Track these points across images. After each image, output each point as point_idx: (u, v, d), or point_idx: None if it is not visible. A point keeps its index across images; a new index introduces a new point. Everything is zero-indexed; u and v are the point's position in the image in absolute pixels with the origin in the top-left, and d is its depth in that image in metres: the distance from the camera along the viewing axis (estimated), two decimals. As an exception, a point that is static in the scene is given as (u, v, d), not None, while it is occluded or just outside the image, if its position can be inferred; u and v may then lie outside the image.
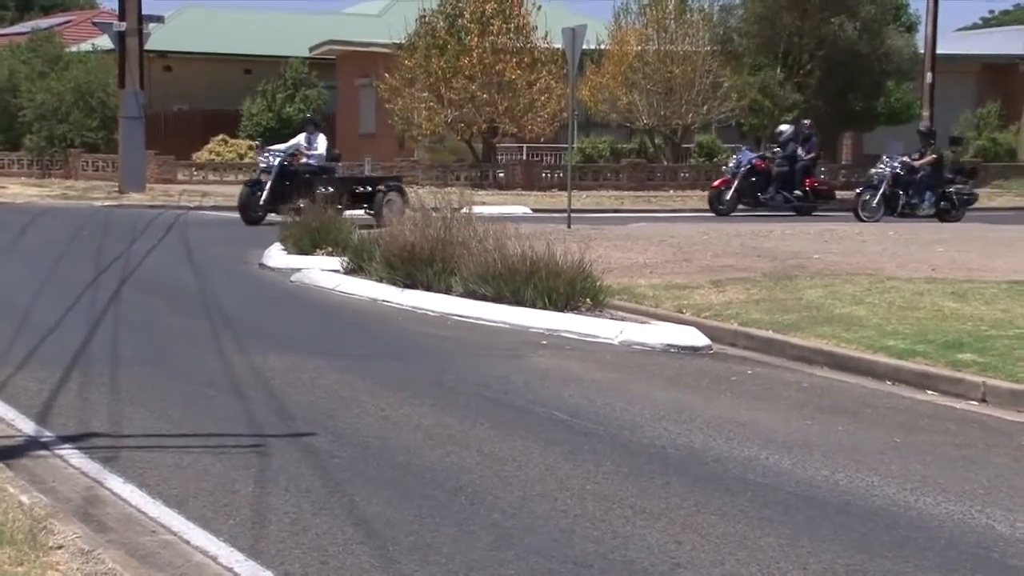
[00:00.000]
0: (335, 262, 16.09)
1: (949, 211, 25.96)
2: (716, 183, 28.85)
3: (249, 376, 9.58)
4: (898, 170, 26.03)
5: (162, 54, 44.22)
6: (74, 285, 14.23)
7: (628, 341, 11.69)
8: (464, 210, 15.03)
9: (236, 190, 33.39)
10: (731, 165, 28.57)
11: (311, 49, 44.78)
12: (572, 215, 22.59)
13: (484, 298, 13.20)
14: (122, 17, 31.22)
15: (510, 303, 12.93)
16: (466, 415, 8.58)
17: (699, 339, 11.72)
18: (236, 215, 23.50)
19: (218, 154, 39.88)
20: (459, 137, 38.06)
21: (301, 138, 23.47)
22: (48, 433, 7.73)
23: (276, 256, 17.52)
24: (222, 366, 9.90)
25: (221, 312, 12.70)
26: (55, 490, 6.58)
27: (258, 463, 7.16)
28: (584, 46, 23.65)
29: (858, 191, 26.83)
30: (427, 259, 14.15)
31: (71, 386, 9.02)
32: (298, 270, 16.06)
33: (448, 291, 13.76)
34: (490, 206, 25.32)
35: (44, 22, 54.18)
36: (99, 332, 11.26)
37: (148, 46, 33.16)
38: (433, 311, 13.23)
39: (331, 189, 22.01)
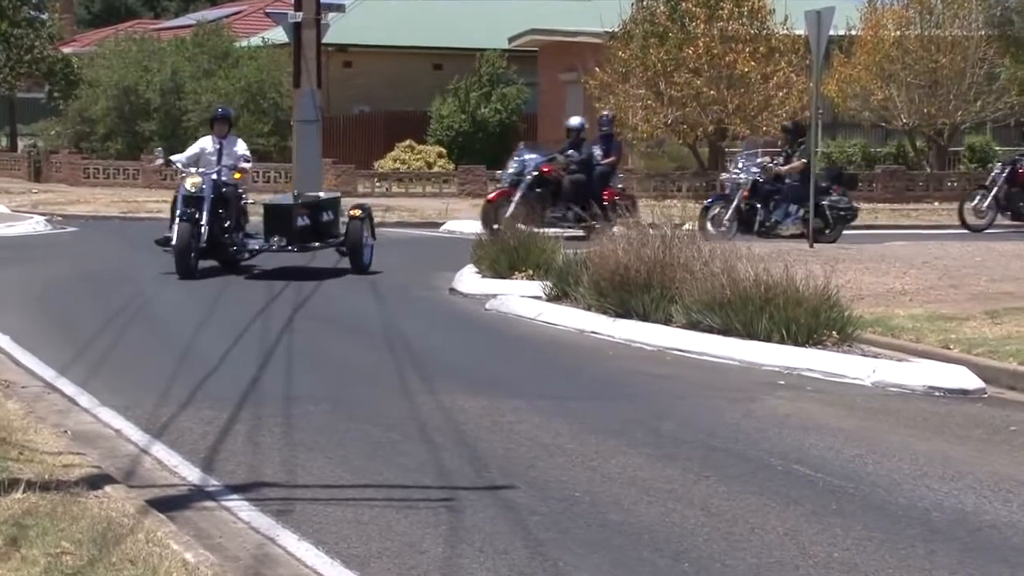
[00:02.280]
0: (536, 287, 16.25)
1: (820, 229, 22.96)
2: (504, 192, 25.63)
3: (438, 419, 9.75)
4: (757, 177, 23.59)
5: (342, 48, 45.28)
6: (241, 313, 14.72)
7: (882, 382, 11.51)
8: (686, 226, 15.02)
9: (422, 203, 34.15)
10: (510, 171, 25.12)
11: (510, 40, 45.28)
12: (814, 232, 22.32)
13: (709, 330, 13.16)
14: (298, 6, 32.12)
15: (740, 336, 12.86)
16: (689, 467, 8.57)
17: (970, 381, 11.45)
18: (423, 232, 23.86)
19: (403, 162, 40.64)
20: (681, 141, 38.01)
21: (207, 143, 19.53)
22: (215, 482, 8.02)
23: (468, 280, 17.78)
24: (408, 407, 10.10)
25: (406, 345, 12.96)
26: (222, 547, 6.82)
27: (448, 520, 7.29)
28: (831, 32, 23.38)
29: (705, 202, 24.30)
30: (643, 284, 14.18)
31: (240, 428, 9.34)
32: (494, 296, 16.28)
33: (667, 321, 13.76)
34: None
35: (211, 13, 56.20)
36: (271, 367, 11.63)
37: (327, 39, 33.98)
38: (649, 345, 13.25)
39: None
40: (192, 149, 19.48)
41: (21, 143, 52.08)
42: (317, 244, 18.87)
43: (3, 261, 20.71)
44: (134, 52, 45.55)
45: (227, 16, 53.77)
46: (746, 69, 35.68)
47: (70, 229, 27.57)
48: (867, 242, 22.76)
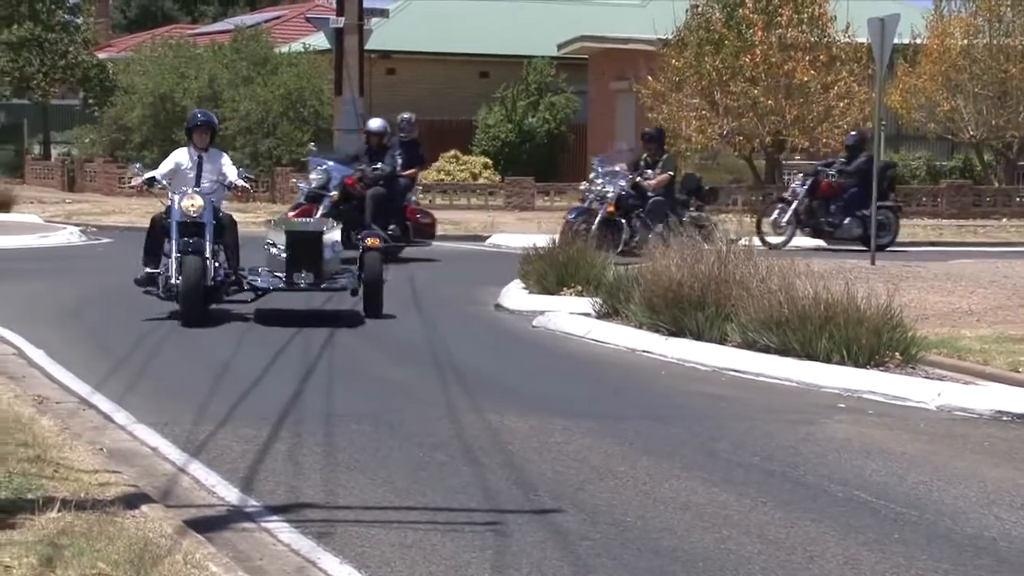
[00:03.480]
0: (585, 303, 16.28)
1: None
2: None
3: (484, 439, 9.79)
4: (623, 191, 22.37)
5: (385, 55, 45.53)
6: (280, 328, 14.81)
7: (948, 406, 11.47)
8: (743, 242, 15.02)
9: (467, 216, 34.22)
10: (312, 184, 22.65)
11: (559, 47, 45.38)
12: (877, 249, 22.28)
13: (766, 350, 13.15)
14: (340, 11, 32.31)
15: (798, 356, 12.84)
16: (745, 492, 8.57)
17: (1040, 406, 11.40)
18: (468, 246, 23.86)
19: (448, 173, 40.76)
20: (737, 152, 37.98)
21: (183, 157, 16.03)
22: (254, 502, 8.09)
23: (515, 296, 17.83)
24: (453, 427, 10.15)
25: (451, 362, 13.01)
26: (263, 569, 6.88)
27: (495, 544, 7.32)
28: (896, 40, 23.34)
29: (568, 216, 22.59)
30: (697, 301, 14.18)
31: (279, 447, 9.41)
32: (541, 313, 16.32)
33: (722, 340, 13.75)
34: (772, 236, 25.22)
35: (250, 18, 56.57)
36: (311, 384, 11.70)
37: (369, 45, 34.19)
38: (704, 365, 13.25)
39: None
40: (166, 164, 15.93)
41: (55, 151, 52.58)
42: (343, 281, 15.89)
43: (36, 273, 20.92)
44: (170, 58, 45.93)
45: (266, 21, 54.10)
46: (805, 78, 35.62)
47: (104, 240, 27.82)
48: (932, 259, 22.69)
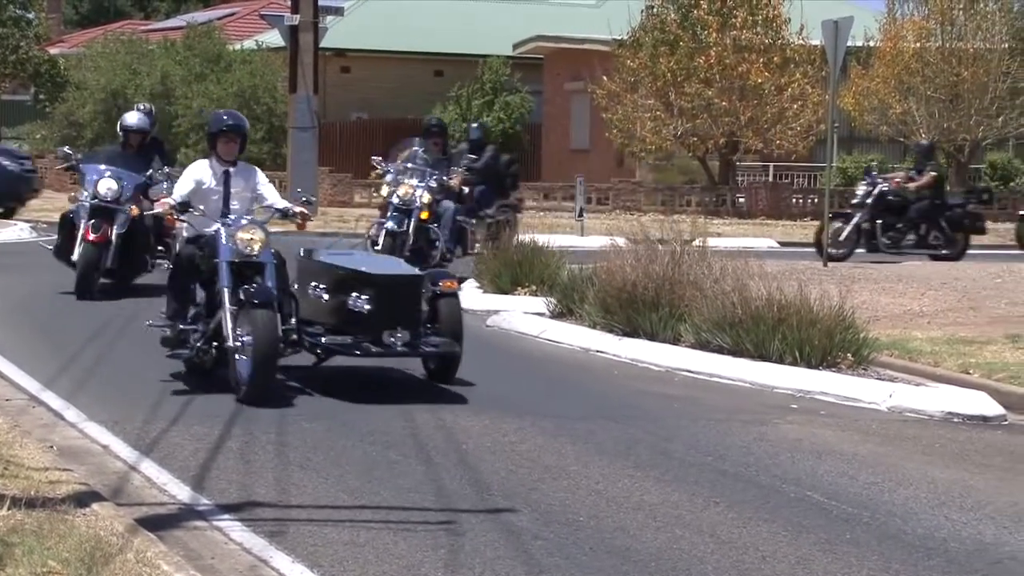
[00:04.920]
0: (539, 303, 16.29)
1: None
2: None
3: (438, 438, 9.79)
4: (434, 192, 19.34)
5: (340, 52, 45.44)
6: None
7: (899, 407, 11.54)
8: (697, 242, 15.05)
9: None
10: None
11: (515, 46, 45.41)
12: (830, 250, 22.38)
13: (719, 350, 13.19)
14: (295, 8, 32.22)
15: (751, 357, 12.89)
16: (698, 492, 8.60)
17: (990, 407, 11.48)
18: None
19: (402, 172, 40.64)
20: (691, 154, 38.11)
21: (204, 173, 11.74)
22: (206, 501, 8.05)
23: (469, 295, 17.79)
24: (407, 425, 10.14)
25: (404, 361, 12.97)
26: (214, 568, 6.85)
27: (448, 543, 7.32)
28: (849, 43, 23.47)
29: (371, 231, 19.67)
30: (651, 302, 14.21)
31: (232, 445, 9.37)
32: (495, 312, 16.31)
33: (676, 341, 13.79)
34: (727, 238, 25.32)
35: (203, 15, 56.32)
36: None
37: (324, 43, 34.15)
38: (657, 365, 13.28)
39: None
40: (184, 184, 11.61)
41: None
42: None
43: (-15, 269, 20.76)
44: (122, 54, 45.69)
45: (219, 18, 53.88)
46: (759, 80, 35.79)
47: (55, 237, 27.58)
48: (884, 262, 22.81)
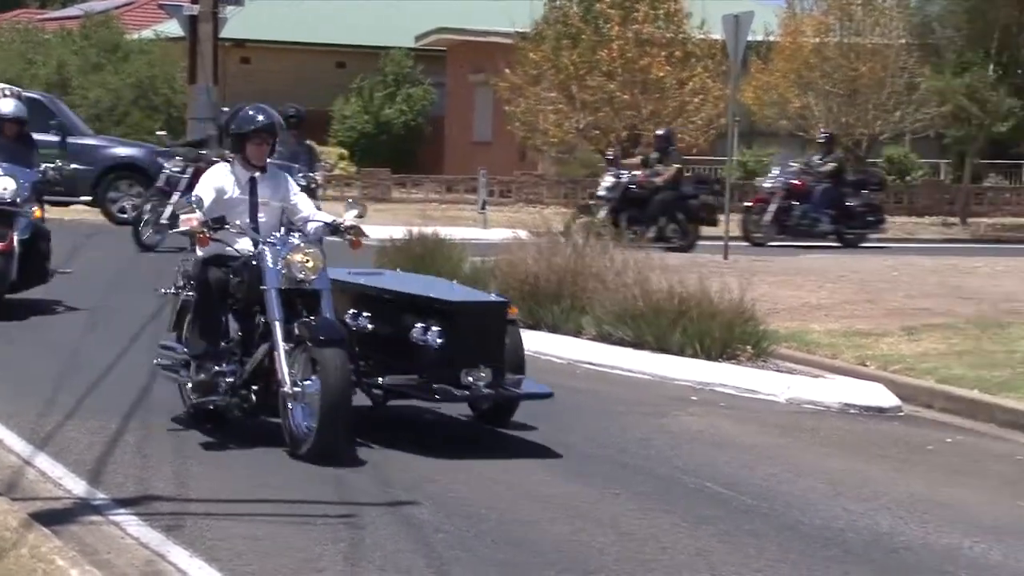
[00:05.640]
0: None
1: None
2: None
3: (338, 431, 9.74)
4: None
5: (239, 43, 45.09)
6: (132, 319, 14.60)
7: (797, 399, 11.65)
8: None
9: (324, 207, 33.87)
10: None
11: (417, 39, 45.31)
12: (730, 243, 22.55)
13: (621, 343, 13.25)
14: (194, -1, 31.91)
15: (652, 349, 12.96)
16: (598, 484, 8.63)
17: (886, 398, 11.63)
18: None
19: (303, 164, 40.47)
20: (593, 147, 38.22)
21: (224, 179, 9.73)
22: (102, 495, 7.96)
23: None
24: (306, 419, 10.07)
25: (305, 354, 12.90)
26: (110, 563, 6.77)
27: (349, 536, 7.29)
28: (749, 37, 23.65)
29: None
30: (553, 294, 14.25)
31: (129, 439, 9.27)
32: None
33: (577, 333, 13.83)
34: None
35: (100, 4, 55.63)
36: (160, 377, 11.53)
37: (224, 33, 33.85)
38: (559, 357, 13.31)
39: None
40: (203, 194, 9.54)
41: None
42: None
43: None
44: (17, 43, 45.02)
45: (117, 7, 53.23)
46: (661, 74, 35.93)
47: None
48: (783, 255, 23.03)
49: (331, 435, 8.76)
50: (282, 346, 8.95)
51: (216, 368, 9.35)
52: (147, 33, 45.88)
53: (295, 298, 9.16)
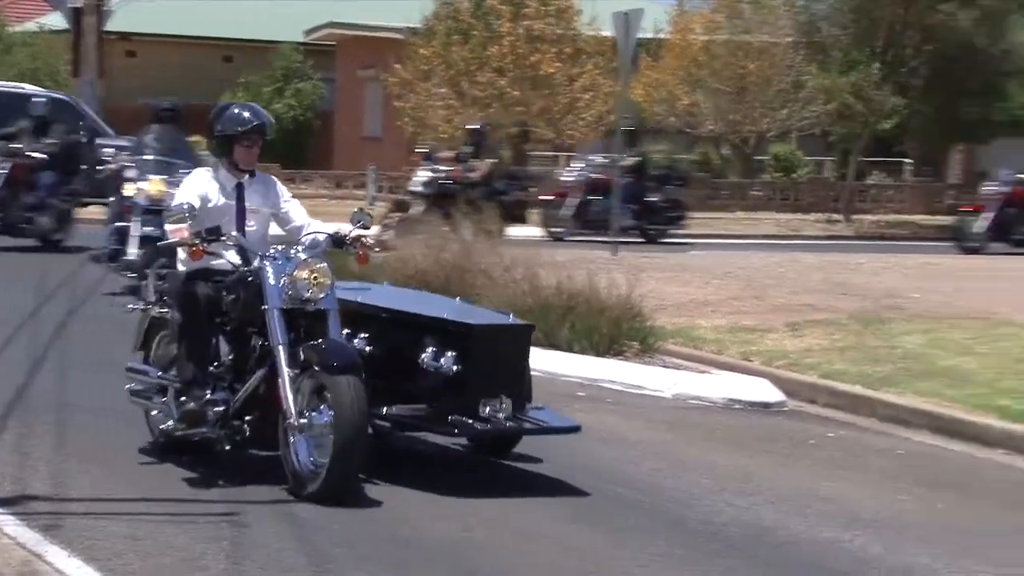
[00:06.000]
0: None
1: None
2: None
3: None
4: None
5: (125, 36, 44.57)
6: (9, 313, 14.38)
7: (683, 394, 11.72)
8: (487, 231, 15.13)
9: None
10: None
11: (306, 33, 45.08)
12: (619, 241, 22.66)
13: (509, 339, 13.23)
14: (78, -9, 31.52)
15: (540, 345, 12.95)
16: (484, 481, 8.62)
17: (771, 393, 11.73)
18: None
19: (190, 159, 40.09)
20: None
21: (207, 185, 8.83)
22: (-22, 494, 7.82)
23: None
24: (190, 416, 9.95)
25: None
26: (-15, 562, 6.66)
27: (232, 535, 7.22)
28: (639, 35, 23.77)
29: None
30: (441, 290, 14.21)
31: (7, 438, 9.10)
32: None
33: (466, 330, 13.81)
34: (518, 227, 25.42)
35: (-17, -4, 54.78)
36: (41, 374, 11.36)
37: (109, 26, 33.49)
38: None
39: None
40: (187, 195, 8.70)
41: None
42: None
43: None
44: None
45: (0, -1, 52.43)
46: (551, 70, 36.03)
47: None
48: (671, 251, 23.18)
49: (345, 472, 7.87)
50: (287, 372, 7.98)
51: (208, 396, 8.35)
52: (30, 25, 45.23)
53: (297, 319, 8.22)
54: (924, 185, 41.70)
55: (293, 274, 8.17)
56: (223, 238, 8.44)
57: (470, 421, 8.45)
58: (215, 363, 8.52)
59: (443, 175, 23.83)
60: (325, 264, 8.36)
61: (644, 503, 8.27)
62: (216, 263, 8.52)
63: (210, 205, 8.62)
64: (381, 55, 38.82)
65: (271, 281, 8.19)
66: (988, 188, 28.10)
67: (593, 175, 26.81)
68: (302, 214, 8.93)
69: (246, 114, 8.78)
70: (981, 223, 27.08)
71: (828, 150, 40.57)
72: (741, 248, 26.06)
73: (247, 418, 8.30)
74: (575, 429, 9.02)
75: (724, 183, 38.55)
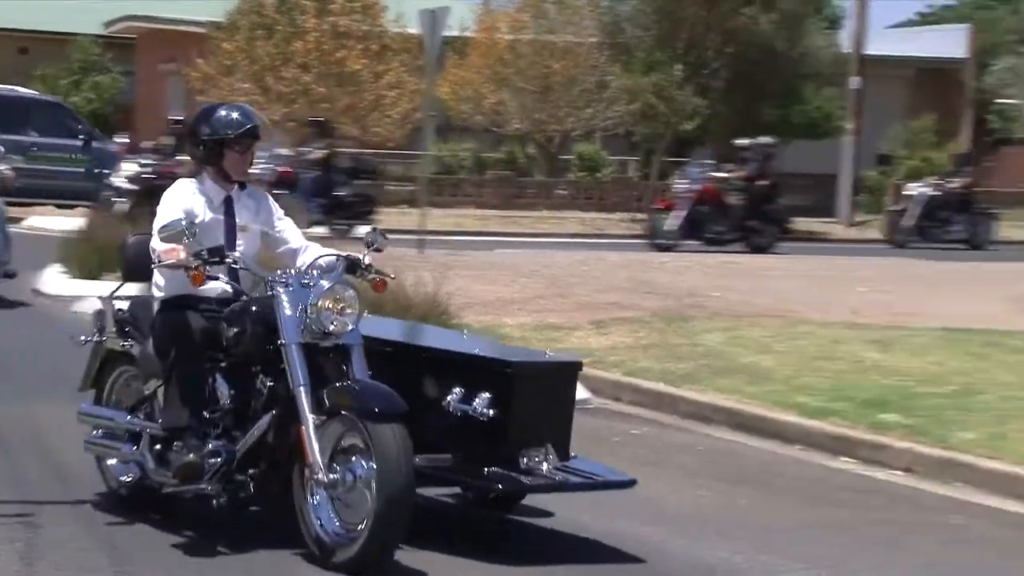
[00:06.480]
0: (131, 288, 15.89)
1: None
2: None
3: (23, 429, 9.47)
4: None
5: (-88, 25, 43.36)
6: None
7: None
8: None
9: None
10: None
11: (106, 25, 44.29)
12: (425, 237, 22.67)
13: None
14: None
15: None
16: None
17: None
18: None
19: (-17, 152, 39.11)
20: (290, 140, 37.93)
21: (192, 198, 7.61)
22: None
23: (54, 281, 17.27)
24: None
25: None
26: None
27: (25, 536, 7.06)
28: (446, 33, 23.81)
29: None
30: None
31: None
32: (81, 298, 15.83)
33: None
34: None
35: None
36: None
37: None
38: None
39: None
40: (172, 210, 7.50)
41: None
42: None
43: None
44: None
45: None
46: (357, 67, 35.91)
47: None
48: (478, 249, 23.26)
49: (388, 539, 6.73)
50: (311, 420, 6.85)
51: (211, 447, 7.17)
52: None
53: (315, 355, 7.06)
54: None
55: (318, 303, 7.02)
56: (227, 260, 7.31)
57: (514, 474, 7.31)
58: (211, 407, 7.30)
59: (149, 169, 23.20)
60: (353, 291, 7.18)
61: (451, 508, 8.25)
62: (202, 288, 7.34)
63: (197, 221, 7.37)
64: (183, 49, 38.30)
65: (287, 311, 7.05)
66: (680, 185, 28.28)
67: (278, 168, 25.80)
68: (297, 235, 7.76)
69: (237, 115, 7.63)
70: (673, 221, 27.11)
71: (632, 150, 41.06)
72: (547, 247, 26.28)
73: (250, 471, 7.12)
74: (631, 483, 7.82)
75: (529, 182, 38.81)
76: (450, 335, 9.43)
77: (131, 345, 7.71)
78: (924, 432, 10.13)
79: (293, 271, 7.28)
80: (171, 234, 7.18)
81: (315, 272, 7.30)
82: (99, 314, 8.01)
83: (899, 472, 9.78)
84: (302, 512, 6.93)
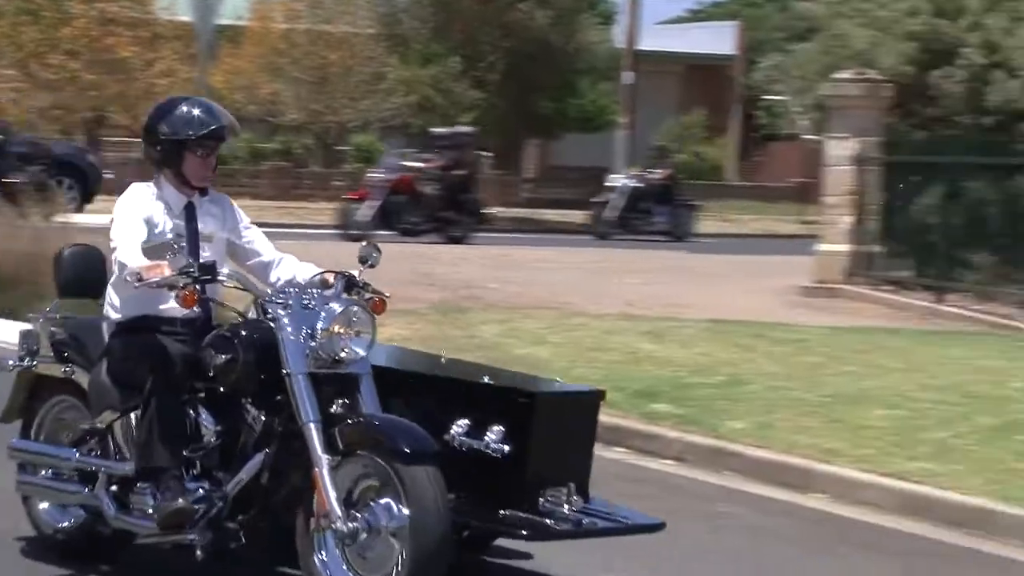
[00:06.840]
0: None
1: None
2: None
3: None
4: None
5: None
6: None
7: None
8: (60, 220, 14.77)
9: None
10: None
11: None
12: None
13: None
14: None
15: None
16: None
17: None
18: None
19: None
20: (55, 127, 37.12)
21: (152, 206, 6.66)
22: None
23: None
24: None
25: None
26: None
27: None
28: (220, 21, 23.54)
29: None
30: (10, 280, 13.82)
31: None
32: None
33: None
34: (94, 215, 24.81)
35: None
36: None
37: None
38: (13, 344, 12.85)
39: None
40: (133, 227, 6.62)
41: None
42: None
43: None
44: None
45: None
46: (127, 54, 35.31)
47: None
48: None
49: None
50: (326, 461, 6.04)
51: (200, 491, 6.34)
52: None
53: (320, 386, 6.24)
54: (501, 178, 42.81)
55: (329, 328, 6.25)
56: (221, 277, 6.46)
57: (536, 518, 6.48)
58: (192, 444, 6.46)
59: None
60: (367, 314, 6.42)
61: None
62: (164, 307, 6.56)
63: (157, 231, 6.62)
64: (-56, 33, 37.19)
65: (290, 336, 6.25)
66: (374, 175, 28.14)
67: None
68: (268, 246, 6.97)
69: (198, 112, 6.76)
70: (365, 211, 26.91)
71: (410, 142, 41.16)
72: (324, 238, 26.14)
73: (240, 518, 6.30)
74: (660, 526, 6.97)
75: (306, 172, 38.63)
76: (428, 360, 8.17)
77: (72, 371, 6.87)
78: (695, 422, 10.38)
79: (292, 290, 6.46)
80: (154, 248, 6.46)
81: (315, 292, 6.46)
82: (28, 335, 7.15)
83: (671, 461, 10.00)
84: (307, 566, 6.12)
